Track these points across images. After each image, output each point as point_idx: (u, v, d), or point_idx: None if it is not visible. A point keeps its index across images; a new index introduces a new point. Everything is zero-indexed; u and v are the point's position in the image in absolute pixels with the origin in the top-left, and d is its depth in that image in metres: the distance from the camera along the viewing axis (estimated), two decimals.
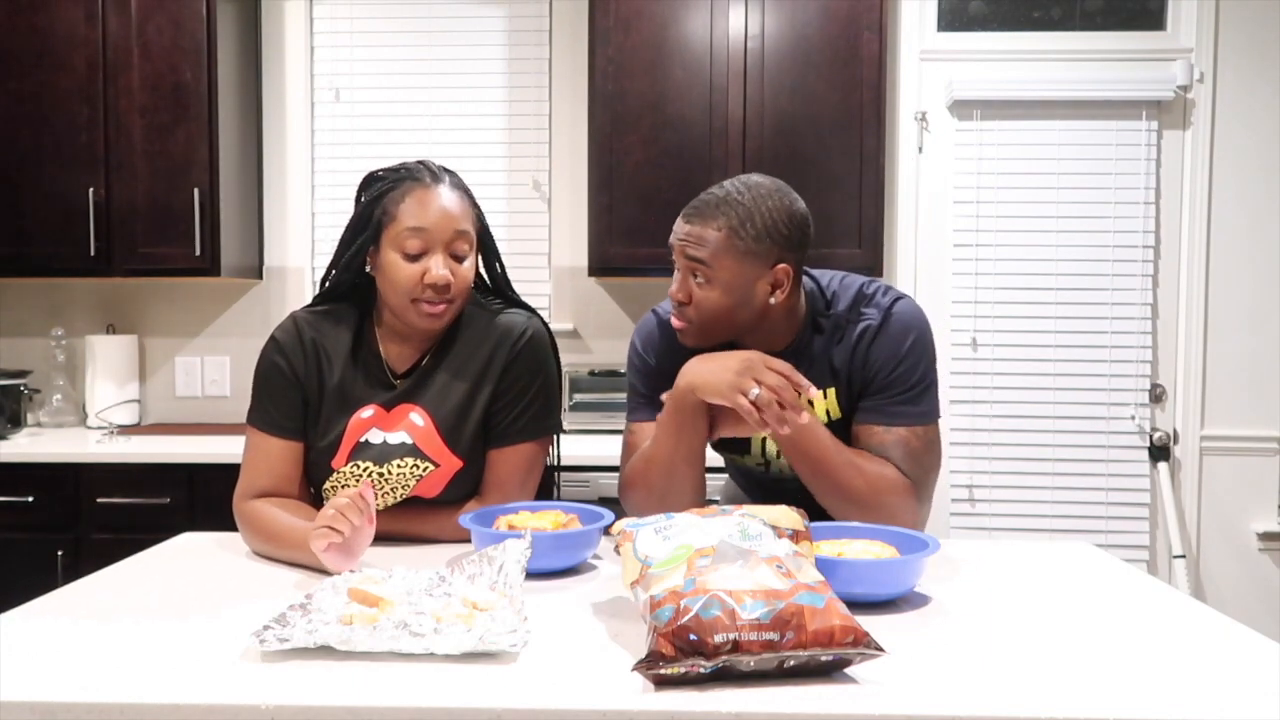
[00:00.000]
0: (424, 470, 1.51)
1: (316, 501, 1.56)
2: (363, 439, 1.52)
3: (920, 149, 3.27)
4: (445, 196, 1.47)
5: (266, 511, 1.48)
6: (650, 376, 1.59)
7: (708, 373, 1.42)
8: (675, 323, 1.51)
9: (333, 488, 1.53)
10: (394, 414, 1.53)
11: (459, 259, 1.48)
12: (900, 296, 1.55)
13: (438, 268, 1.45)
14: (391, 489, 1.51)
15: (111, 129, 2.98)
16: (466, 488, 1.55)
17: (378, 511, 1.48)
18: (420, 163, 1.52)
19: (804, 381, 1.40)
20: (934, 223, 3.28)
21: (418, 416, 1.52)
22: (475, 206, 1.54)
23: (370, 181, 1.52)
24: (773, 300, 1.47)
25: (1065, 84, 3.18)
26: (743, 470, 1.68)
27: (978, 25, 3.28)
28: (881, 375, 1.50)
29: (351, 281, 1.56)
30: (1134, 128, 3.21)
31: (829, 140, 2.97)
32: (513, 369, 1.54)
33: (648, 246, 2.96)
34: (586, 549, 1.41)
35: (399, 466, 1.50)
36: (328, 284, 1.58)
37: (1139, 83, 3.18)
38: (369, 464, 1.51)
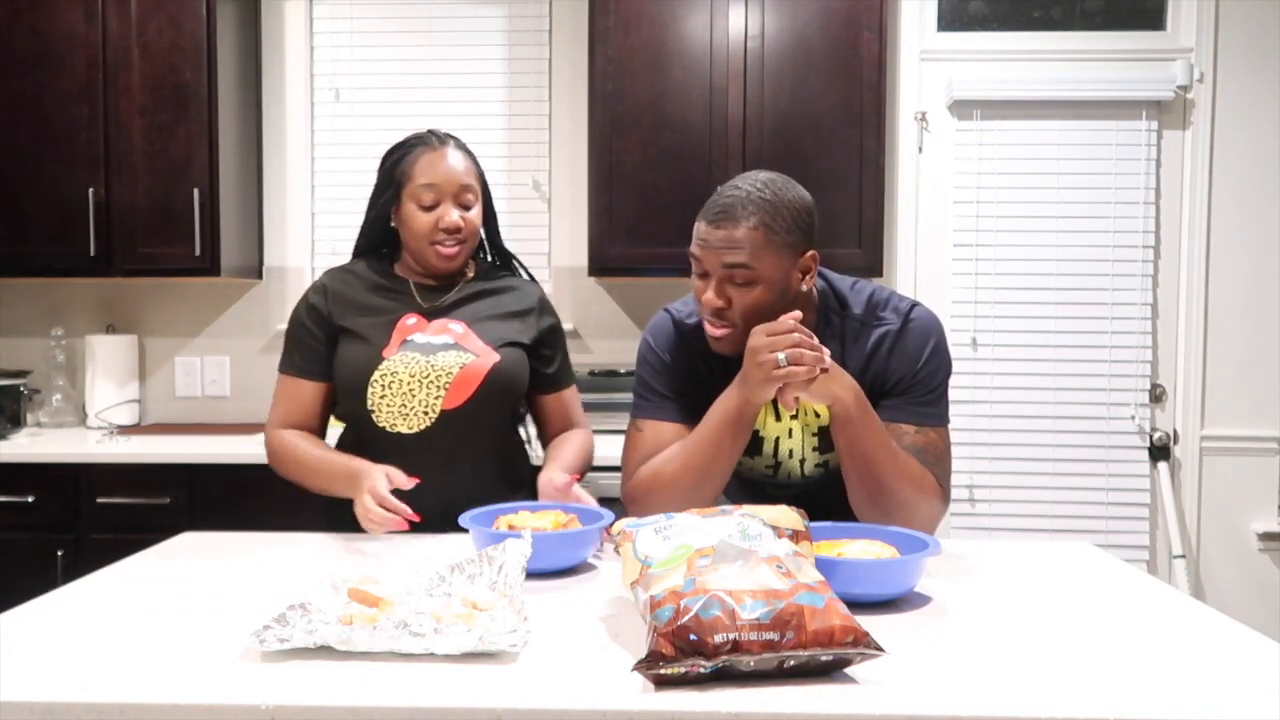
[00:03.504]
0: (466, 359, 1.68)
1: (359, 400, 1.67)
2: (410, 338, 1.71)
3: (920, 149, 3.27)
4: (451, 157, 1.72)
5: (300, 445, 1.69)
6: (667, 375, 1.59)
7: (744, 381, 1.43)
8: (714, 331, 1.49)
9: (381, 376, 1.66)
10: (435, 324, 1.73)
11: (466, 208, 1.71)
12: (916, 303, 1.57)
13: (449, 214, 1.69)
14: (436, 376, 1.66)
15: (111, 129, 2.97)
16: (499, 388, 1.69)
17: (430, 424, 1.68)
18: (429, 131, 1.76)
19: (797, 318, 1.41)
20: (934, 223, 3.28)
21: (456, 325, 1.73)
22: (477, 165, 1.77)
23: (388, 153, 1.77)
24: (804, 287, 1.49)
25: (1065, 84, 3.18)
26: (745, 478, 1.68)
27: (978, 25, 3.28)
28: (906, 378, 1.52)
29: (379, 239, 1.80)
30: (1134, 128, 3.21)
31: (829, 140, 2.97)
32: (552, 331, 1.82)
33: (647, 246, 2.97)
34: (586, 549, 1.41)
35: (443, 356, 1.68)
36: (360, 242, 1.83)
37: (1139, 83, 3.18)
38: (416, 354, 1.68)
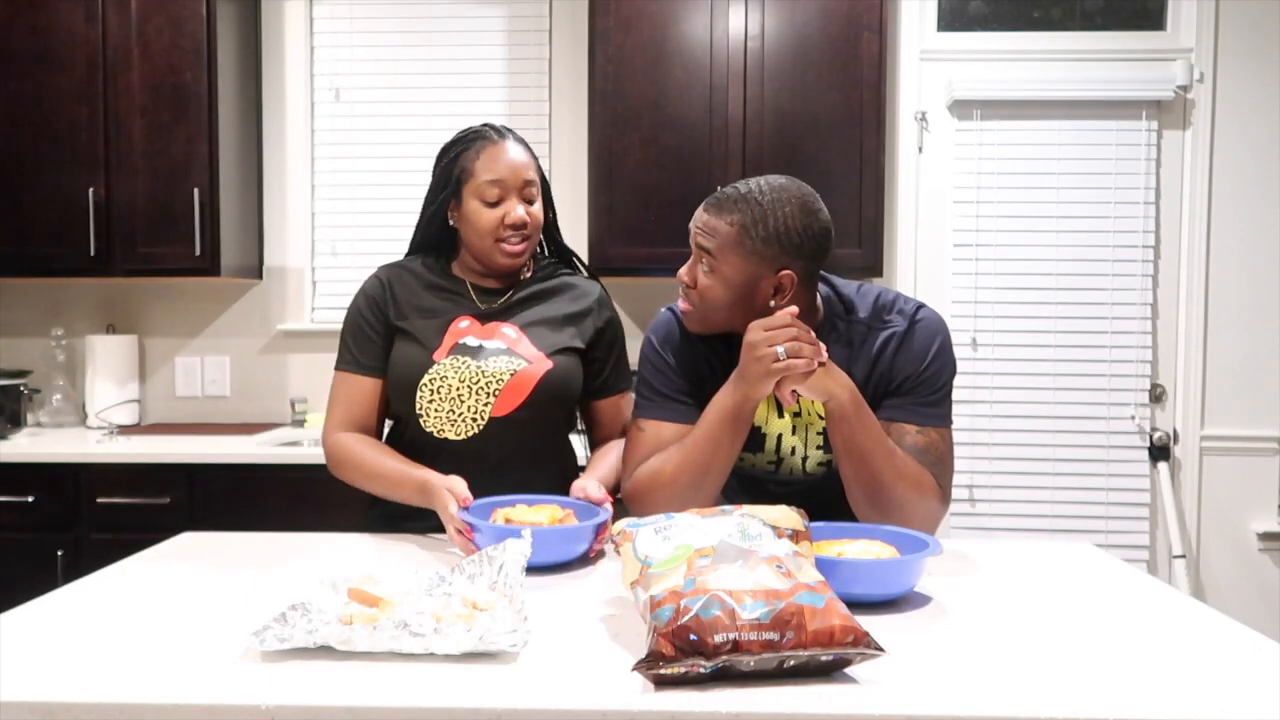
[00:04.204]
0: (517, 365, 1.65)
1: (408, 403, 1.65)
2: (462, 341, 1.67)
3: (920, 149, 3.27)
4: (513, 150, 1.67)
5: (364, 452, 1.64)
6: (669, 375, 1.59)
7: (742, 377, 1.44)
8: (680, 304, 1.56)
9: (430, 381, 1.63)
10: (488, 327, 1.69)
11: (530, 202, 1.68)
12: (922, 305, 1.57)
13: (515, 210, 1.65)
14: (486, 383, 1.63)
15: (111, 129, 2.98)
16: (550, 396, 1.65)
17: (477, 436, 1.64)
18: (486, 125, 1.72)
19: (794, 313, 1.42)
20: (934, 223, 3.28)
21: (509, 329, 1.69)
22: (536, 159, 1.72)
23: (445, 149, 1.72)
24: (772, 304, 1.48)
25: (1065, 84, 3.18)
26: (746, 475, 1.67)
27: (978, 25, 3.28)
28: (911, 377, 1.52)
29: (435, 237, 1.75)
30: (1134, 128, 3.21)
31: (829, 140, 2.97)
32: (608, 329, 1.76)
33: (647, 246, 2.97)
34: (581, 544, 1.41)
35: (495, 362, 1.65)
36: (416, 239, 1.77)
37: (1139, 83, 3.18)
38: (467, 359, 1.65)
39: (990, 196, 3.24)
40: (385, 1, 3.32)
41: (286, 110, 3.33)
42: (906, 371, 1.52)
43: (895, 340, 1.53)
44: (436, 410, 1.63)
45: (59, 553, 2.70)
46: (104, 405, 3.18)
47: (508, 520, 1.40)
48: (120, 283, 3.29)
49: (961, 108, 3.23)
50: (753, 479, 1.65)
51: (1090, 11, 3.26)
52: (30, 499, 2.72)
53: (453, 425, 1.63)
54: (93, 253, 2.97)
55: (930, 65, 3.26)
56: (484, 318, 1.69)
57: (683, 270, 1.53)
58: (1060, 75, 3.20)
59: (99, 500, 2.72)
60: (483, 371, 1.63)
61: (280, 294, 3.34)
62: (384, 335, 1.69)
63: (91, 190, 2.97)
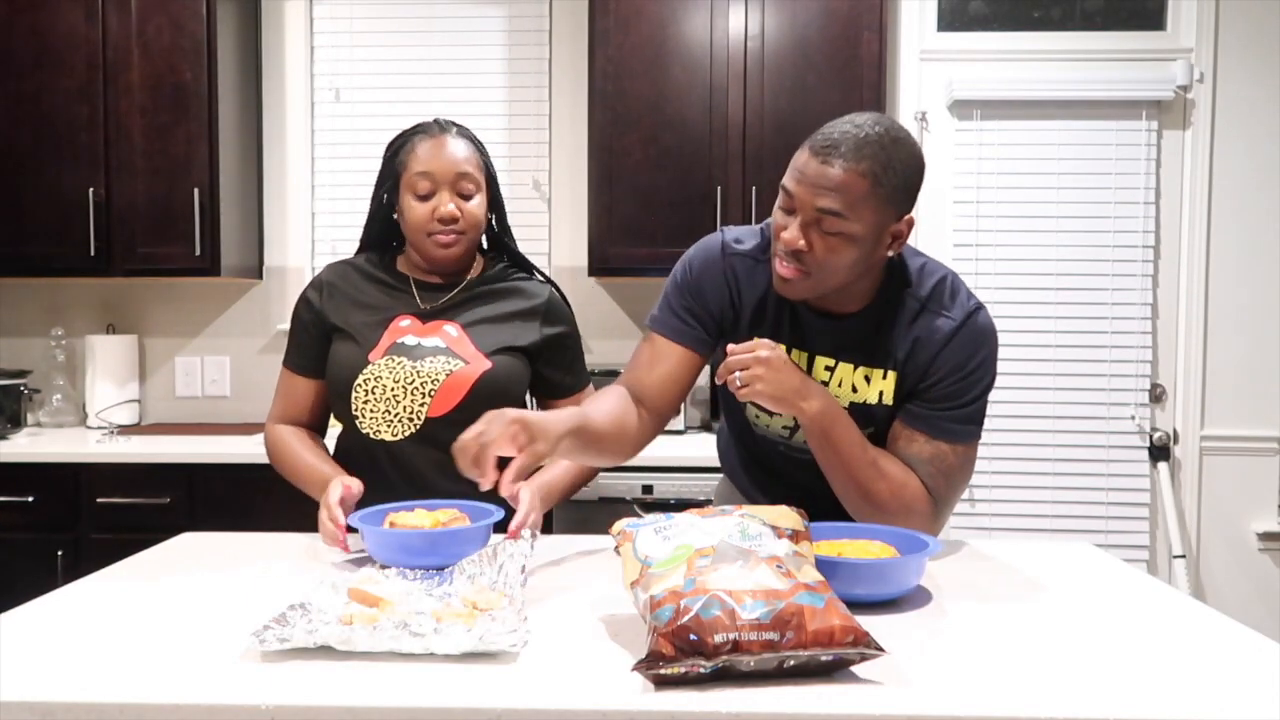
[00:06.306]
0: (454, 365, 1.63)
1: (345, 405, 1.65)
2: (400, 340, 1.66)
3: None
4: (451, 144, 1.66)
5: (290, 444, 1.68)
6: (687, 293, 1.51)
7: None
8: (785, 270, 1.36)
9: (365, 381, 1.62)
10: (429, 326, 1.68)
11: (466, 198, 1.65)
12: (980, 306, 1.47)
13: (444, 204, 1.63)
14: (422, 383, 1.62)
15: (111, 129, 2.98)
16: (488, 396, 1.59)
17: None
18: (434, 119, 1.71)
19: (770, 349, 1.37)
20: (934, 223, 3.28)
21: (451, 328, 1.68)
22: (482, 155, 1.70)
23: (390, 144, 1.72)
24: (890, 254, 1.39)
25: (1065, 84, 3.18)
26: (760, 434, 1.60)
27: (978, 25, 3.28)
28: (944, 383, 1.43)
29: (383, 233, 1.75)
30: (1134, 128, 3.21)
31: None
32: (562, 335, 1.73)
33: (647, 246, 2.97)
34: (460, 548, 1.35)
35: (431, 362, 1.63)
36: (365, 235, 1.78)
37: (1139, 83, 3.18)
38: (403, 359, 1.63)
39: (990, 196, 3.24)
40: (385, 1, 3.32)
41: (286, 110, 3.33)
42: (940, 375, 1.43)
43: (943, 337, 1.43)
44: (372, 411, 1.62)
45: (59, 553, 2.70)
46: (104, 405, 3.18)
47: (393, 524, 1.39)
48: (120, 283, 3.29)
49: (961, 108, 3.23)
50: (766, 439, 1.59)
51: (1090, 11, 3.26)
52: (30, 499, 2.72)
53: (389, 426, 1.62)
54: (93, 252, 2.98)
55: (930, 65, 3.25)
56: (426, 316, 1.68)
57: (790, 234, 1.32)
58: (1060, 75, 3.20)
59: (99, 500, 2.72)
60: (418, 371, 1.61)
61: (280, 294, 3.34)
62: (318, 337, 1.69)
63: (91, 190, 2.97)
